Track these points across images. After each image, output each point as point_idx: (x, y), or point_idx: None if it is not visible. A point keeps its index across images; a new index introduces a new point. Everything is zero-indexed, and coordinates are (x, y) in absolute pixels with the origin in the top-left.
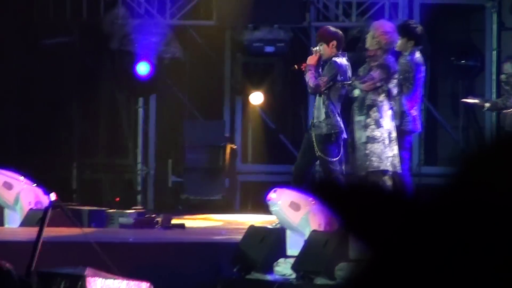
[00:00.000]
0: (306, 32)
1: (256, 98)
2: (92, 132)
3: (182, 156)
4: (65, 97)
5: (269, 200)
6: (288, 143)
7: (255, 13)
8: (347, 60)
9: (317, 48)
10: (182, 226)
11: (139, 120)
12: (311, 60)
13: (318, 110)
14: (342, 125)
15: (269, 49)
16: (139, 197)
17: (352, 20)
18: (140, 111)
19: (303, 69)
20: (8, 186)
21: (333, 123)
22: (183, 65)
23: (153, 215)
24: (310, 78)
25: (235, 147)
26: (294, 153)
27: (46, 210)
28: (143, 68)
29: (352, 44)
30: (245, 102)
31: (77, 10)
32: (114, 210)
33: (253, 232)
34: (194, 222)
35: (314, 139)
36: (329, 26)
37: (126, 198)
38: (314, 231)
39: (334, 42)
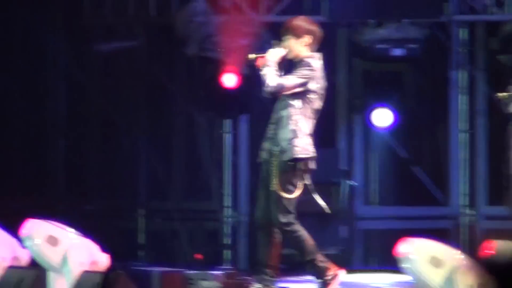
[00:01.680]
0: (445, 28)
1: (382, 117)
2: (164, 168)
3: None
4: (127, 120)
5: (401, 254)
6: (425, 177)
7: (378, 5)
8: (322, 66)
9: (283, 43)
10: None
11: (226, 150)
12: (273, 55)
13: (282, 127)
14: (313, 150)
15: (397, 51)
16: (227, 253)
17: (506, 12)
18: (227, 137)
19: (259, 65)
20: (53, 241)
21: (302, 146)
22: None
23: (247, 277)
24: (269, 76)
25: (354, 184)
26: (432, 190)
27: (105, 274)
28: (230, 80)
29: (507, 44)
30: (367, 123)
31: (142, 7)
32: (195, 272)
33: None
34: (301, 286)
35: (272, 170)
36: (302, 17)
37: (210, 255)
38: None
39: (308, 38)
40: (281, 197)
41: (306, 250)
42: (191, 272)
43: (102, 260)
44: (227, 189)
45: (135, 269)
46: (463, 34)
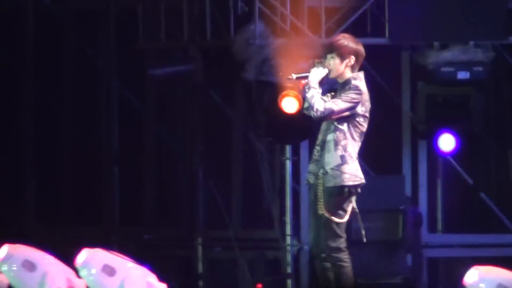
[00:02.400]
0: None
1: (448, 142)
2: (222, 195)
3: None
4: (184, 147)
5: (468, 283)
6: (492, 204)
7: (443, 27)
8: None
9: (326, 61)
10: None
11: (287, 177)
12: (315, 75)
13: (329, 151)
14: (362, 176)
15: (462, 75)
16: (289, 283)
17: None
18: (288, 163)
19: (302, 86)
20: (109, 270)
21: (351, 172)
22: None
23: None
24: (315, 99)
25: (419, 211)
26: (501, 217)
27: None
28: (290, 105)
29: None
30: (432, 148)
31: (198, 29)
32: None
33: None
34: None
35: (318, 193)
36: (348, 35)
37: (271, 284)
38: None
39: (352, 59)
40: (330, 221)
41: (343, 285)
42: None
43: None
44: (289, 216)
45: None
46: None
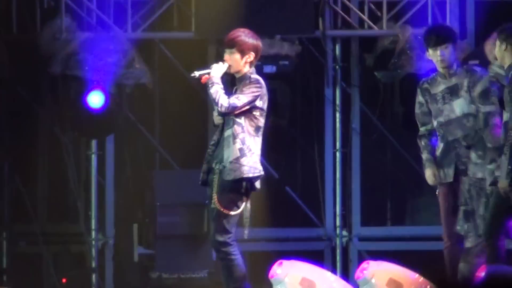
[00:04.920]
0: (319, 44)
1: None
2: (28, 190)
3: (152, 219)
4: None
5: (272, 276)
6: (297, 198)
7: (249, 20)
8: None
9: (226, 56)
10: None
11: (92, 171)
12: (217, 71)
13: (228, 147)
14: (261, 168)
15: (269, 68)
16: (93, 277)
17: (383, 27)
18: (93, 158)
19: (204, 80)
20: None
21: (251, 164)
22: (151, 93)
23: None
24: (220, 95)
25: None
26: (306, 211)
27: None
28: (96, 100)
29: (383, 60)
30: None
31: (3, 23)
32: None
33: None
34: None
35: (214, 187)
36: (248, 31)
37: (75, 279)
38: None
39: (252, 55)
40: (220, 215)
41: (234, 277)
42: None
43: None
44: (94, 211)
45: None
46: (337, 50)
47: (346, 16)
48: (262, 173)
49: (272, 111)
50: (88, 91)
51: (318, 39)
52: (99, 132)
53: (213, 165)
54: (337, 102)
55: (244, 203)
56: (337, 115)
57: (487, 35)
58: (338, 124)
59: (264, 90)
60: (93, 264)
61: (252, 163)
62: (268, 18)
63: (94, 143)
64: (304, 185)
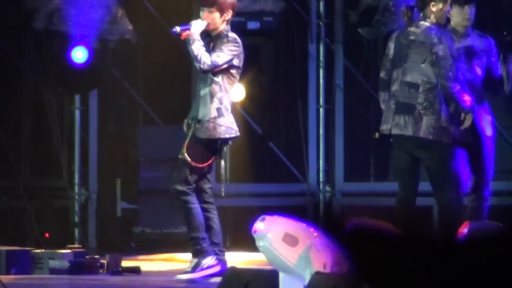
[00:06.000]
0: (303, 0)
1: (235, 93)
2: (10, 144)
3: (135, 174)
4: None
5: (255, 231)
6: (280, 153)
7: None
8: None
9: (204, 14)
10: (136, 270)
11: (75, 126)
12: (196, 28)
13: (205, 105)
14: (237, 128)
15: (252, 25)
16: (76, 232)
17: None
18: (77, 113)
19: (184, 37)
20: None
21: (227, 125)
22: (135, 49)
23: (96, 256)
24: (201, 51)
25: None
26: (290, 166)
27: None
28: (80, 55)
29: (367, 17)
30: None
31: None
32: (43, 250)
33: (233, 276)
34: (152, 264)
35: (186, 140)
36: None
37: (58, 233)
38: (317, 273)
39: (230, 13)
40: (186, 165)
41: (193, 226)
42: (39, 251)
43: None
44: (76, 166)
45: None
46: (321, 6)
47: None
48: (238, 134)
49: (255, 67)
50: (72, 46)
51: None
52: (82, 87)
53: (189, 121)
54: (321, 58)
55: (212, 160)
56: (321, 71)
57: None
58: (321, 80)
59: (241, 49)
60: (76, 219)
61: (229, 123)
62: None
63: (77, 98)
64: (288, 140)
